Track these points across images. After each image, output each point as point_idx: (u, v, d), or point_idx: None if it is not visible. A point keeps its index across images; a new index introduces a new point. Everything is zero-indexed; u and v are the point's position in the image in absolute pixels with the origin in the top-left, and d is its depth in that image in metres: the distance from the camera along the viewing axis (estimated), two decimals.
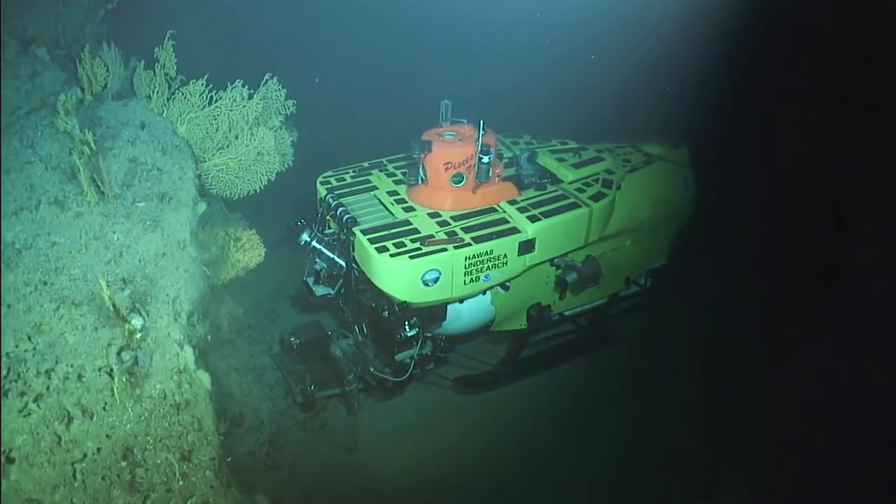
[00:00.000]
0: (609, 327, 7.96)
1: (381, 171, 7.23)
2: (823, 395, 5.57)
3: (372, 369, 6.62)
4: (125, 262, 5.39)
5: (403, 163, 7.33)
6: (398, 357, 6.57)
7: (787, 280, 7.16)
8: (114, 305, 4.84)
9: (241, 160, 6.28)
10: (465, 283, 6.26)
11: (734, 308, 7.60)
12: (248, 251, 6.92)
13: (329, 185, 6.92)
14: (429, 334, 6.68)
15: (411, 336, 6.33)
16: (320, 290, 6.72)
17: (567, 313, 7.45)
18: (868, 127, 6.12)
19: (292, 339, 6.99)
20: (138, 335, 4.97)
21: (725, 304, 7.64)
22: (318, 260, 6.58)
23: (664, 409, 7.06)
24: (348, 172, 7.19)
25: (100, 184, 5.65)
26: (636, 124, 8.17)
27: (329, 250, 6.48)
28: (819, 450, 5.38)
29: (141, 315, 5.08)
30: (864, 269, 5.81)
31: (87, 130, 5.59)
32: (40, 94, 6.96)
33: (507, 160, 7.27)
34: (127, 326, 4.89)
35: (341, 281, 6.64)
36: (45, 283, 5.26)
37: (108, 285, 4.78)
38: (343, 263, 6.48)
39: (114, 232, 5.53)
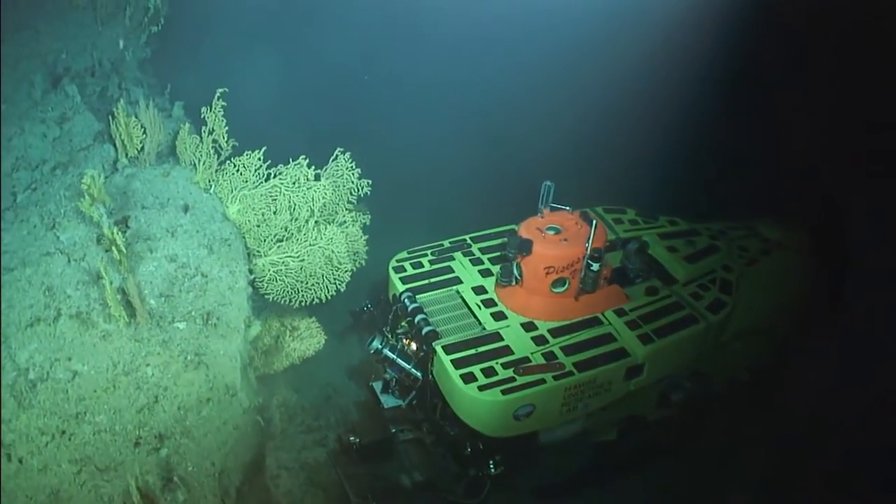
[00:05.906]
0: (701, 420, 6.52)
1: (463, 254, 5.69)
2: None
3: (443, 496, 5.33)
4: (161, 409, 4.03)
5: (490, 242, 5.79)
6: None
7: None
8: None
9: (304, 261, 4.75)
10: (560, 413, 4.87)
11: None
12: (307, 339, 5.58)
13: (404, 274, 5.42)
14: None
15: (495, 475, 5.00)
16: (389, 402, 5.35)
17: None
18: None
19: (352, 438, 5.64)
20: None
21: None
22: (388, 369, 5.18)
23: None
24: (426, 255, 5.65)
25: (130, 298, 4.22)
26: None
27: (404, 360, 5.07)
28: None
29: (179, 490, 3.77)
30: None
31: (115, 229, 4.15)
32: (69, 146, 5.46)
33: (609, 242, 5.66)
34: None
35: (414, 392, 5.25)
36: (64, 433, 3.96)
37: (137, 476, 3.47)
38: (419, 375, 5.07)
39: (148, 365, 4.15)
